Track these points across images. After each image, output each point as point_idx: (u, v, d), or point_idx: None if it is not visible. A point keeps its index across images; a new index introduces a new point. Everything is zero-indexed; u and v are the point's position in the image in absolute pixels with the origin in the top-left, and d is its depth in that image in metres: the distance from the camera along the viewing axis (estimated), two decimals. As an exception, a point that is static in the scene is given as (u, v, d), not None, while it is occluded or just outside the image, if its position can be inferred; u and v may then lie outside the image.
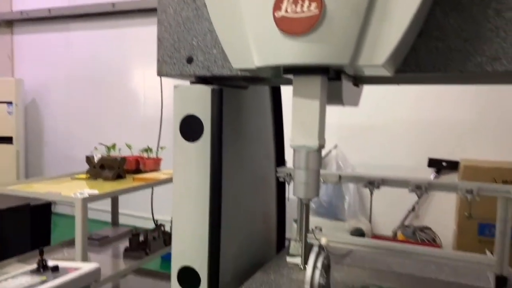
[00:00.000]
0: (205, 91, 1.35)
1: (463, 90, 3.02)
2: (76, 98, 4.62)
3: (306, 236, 1.18)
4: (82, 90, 4.57)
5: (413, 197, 3.13)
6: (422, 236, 2.79)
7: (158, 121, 3.78)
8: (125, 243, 2.38)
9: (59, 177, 2.26)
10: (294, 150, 1.07)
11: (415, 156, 3.14)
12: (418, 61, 1.07)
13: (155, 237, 2.17)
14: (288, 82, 1.36)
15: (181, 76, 1.38)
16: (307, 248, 1.44)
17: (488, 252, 1.51)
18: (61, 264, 1.09)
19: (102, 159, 2.21)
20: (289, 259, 1.54)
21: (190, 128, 1.39)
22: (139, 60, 4.25)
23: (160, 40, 1.38)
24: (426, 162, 3.12)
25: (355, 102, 1.36)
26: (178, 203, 1.42)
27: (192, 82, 1.43)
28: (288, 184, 1.61)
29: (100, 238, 2.32)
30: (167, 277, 2.61)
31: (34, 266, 1.10)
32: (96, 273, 1.10)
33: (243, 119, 1.57)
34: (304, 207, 1.07)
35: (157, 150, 3.31)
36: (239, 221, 1.55)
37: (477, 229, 2.58)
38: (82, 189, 1.86)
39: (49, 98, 4.79)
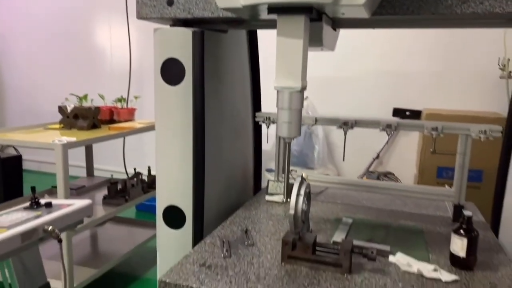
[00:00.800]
0: (186, 33, 1.36)
1: (427, 43, 3.13)
2: (38, 50, 4.41)
3: (288, 173, 1.26)
4: (45, 42, 4.35)
5: (377, 146, 3.30)
6: (386, 180, 2.98)
7: (126, 73, 3.70)
8: (102, 192, 2.40)
9: (31, 127, 2.22)
10: (278, 91, 1.12)
11: (381, 107, 3.28)
12: (393, 3, 1.13)
13: (133, 184, 2.21)
14: (268, 25, 1.39)
15: (161, 19, 1.37)
16: (288, 185, 1.53)
17: (447, 186, 1.67)
18: (54, 201, 1.13)
19: (75, 108, 2.18)
20: (268, 198, 1.64)
21: (171, 71, 1.41)
22: (105, 9, 4.07)
23: (139, -19, 1.36)
24: (391, 112, 3.28)
25: (332, 46, 1.41)
26: (161, 145, 1.46)
27: (171, 26, 1.43)
28: (268, 127, 1.67)
29: (77, 188, 2.33)
30: (143, 224, 2.70)
31: (26, 204, 1.13)
32: (88, 208, 1.14)
33: (222, 63, 1.60)
34: (287, 146, 1.14)
35: (127, 100, 3.28)
36: (221, 163, 1.61)
37: (436, 172, 2.79)
38: (59, 137, 1.85)
39: (8, 49, 4.54)
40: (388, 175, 3.05)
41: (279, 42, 1.08)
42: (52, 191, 2.40)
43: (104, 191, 2.41)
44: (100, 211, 2.12)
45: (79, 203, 1.12)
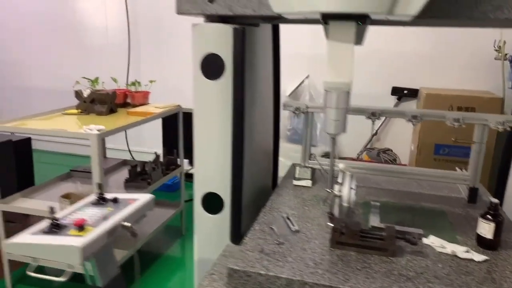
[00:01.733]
0: (227, 30, 1.41)
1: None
2: (27, 27, 4.28)
3: (333, 164, 1.36)
4: (35, 16, 4.23)
5: (375, 123, 3.44)
6: (385, 157, 3.14)
7: (122, 49, 3.67)
8: (119, 174, 2.46)
9: (49, 113, 2.22)
10: (326, 91, 1.21)
11: (380, 85, 3.40)
12: (434, 9, 1.21)
13: (154, 167, 2.27)
14: (303, 21, 1.45)
15: (202, 15, 1.41)
16: (333, 174, 1.62)
17: (458, 169, 1.81)
18: (119, 196, 1.20)
19: (93, 93, 2.19)
20: (295, 182, 1.75)
21: (211, 66, 1.46)
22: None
23: (180, -23, 1.39)
24: (388, 90, 3.40)
25: (363, 41, 1.49)
26: (200, 136, 1.53)
27: (206, 20, 1.47)
28: (297, 117, 1.75)
29: (95, 171, 2.37)
30: (158, 204, 2.77)
31: (91, 198, 1.20)
32: (151, 202, 1.22)
33: (255, 55, 1.65)
34: (332, 140, 1.24)
35: (127, 82, 3.29)
36: (252, 150, 1.70)
37: (433, 149, 2.96)
38: (81, 124, 1.88)
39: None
40: (387, 152, 3.20)
41: (330, 45, 1.16)
42: (70, 175, 2.44)
43: (119, 173, 2.47)
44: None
45: (143, 197, 1.20)
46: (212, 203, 1.57)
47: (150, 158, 2.37)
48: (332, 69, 1.16)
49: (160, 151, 3.40)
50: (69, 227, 1.00)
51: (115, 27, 3.95)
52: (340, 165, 1.38)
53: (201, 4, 1.39)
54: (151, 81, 2.46)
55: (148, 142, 3.85)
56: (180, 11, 1.42)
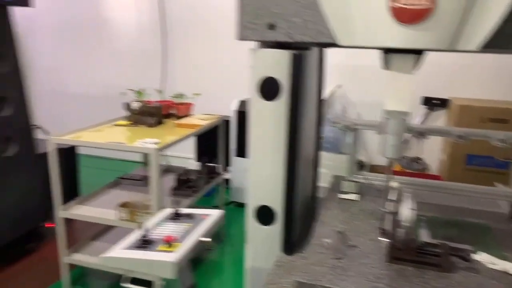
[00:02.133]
0: (284, 55, 1.50)
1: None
2: (64, 29, 4.46)
3: (389, 182, 1.44)
4: (70, 20, 4.40)
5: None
6: (416, 166, 3.19)
7: (157, 54, 3.77)
8: (164, 181, 2.58)
9: (100, 124, 2.35)
10: (385, 118, 1.29)
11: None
12: (491, 41, 1.26)
13: (199, 176, 2.38)
14: (353, 46, 1.53)
15: (262, 41, 1.51)
16: (387, 192, 1.70)
17: (496, 184, 1.87)
18: (192, 211, 1.30)
19: (143, 106, 2.32)
20: (342, 196, 1.84)
21: (268, 88, 1.56)
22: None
23: (242, 6, 1.49)
24: (418, 100, 3.45)
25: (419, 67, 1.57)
26: (255, 151, 1.63)
27: (262, 46, 1.57)
28: (345, 134, 1.84)
29: (142, 178, 2.49)
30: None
31: (167, 213, 1.30)
32: (221, 217, 1.32)
33: (307, 77, 1.74)
34: (389, 163, 1.33)
35: (160, 89, 3.40)
36: (301, 164, 1.79)
37: (465, 160, 3.01)
38: (132, 136, 1.99)
39: (35, 30, 4.58)
40: (417, 161, 3.26)
41: (391, 75, 1.24)
42: (118, 182, 2.57)
43: (166, 180, 2.59)
44: (171, 203, 2.30)
45: (214, 213, 1.30)
46: (264, 215, 1.67)
47: (182, 162, 2.49)
48: (392, 98, 1.25)
49: (190, 155, 3.53)
50: (157, 242, 1.11)
51: (147, 31, 4.09)
52: (394, 183, 1.46)
53: (262, 31, 1.49)
54: (195, 94, 2.57)
55: (177, 146, 3.97)
56: (241, 38, 1.52)
